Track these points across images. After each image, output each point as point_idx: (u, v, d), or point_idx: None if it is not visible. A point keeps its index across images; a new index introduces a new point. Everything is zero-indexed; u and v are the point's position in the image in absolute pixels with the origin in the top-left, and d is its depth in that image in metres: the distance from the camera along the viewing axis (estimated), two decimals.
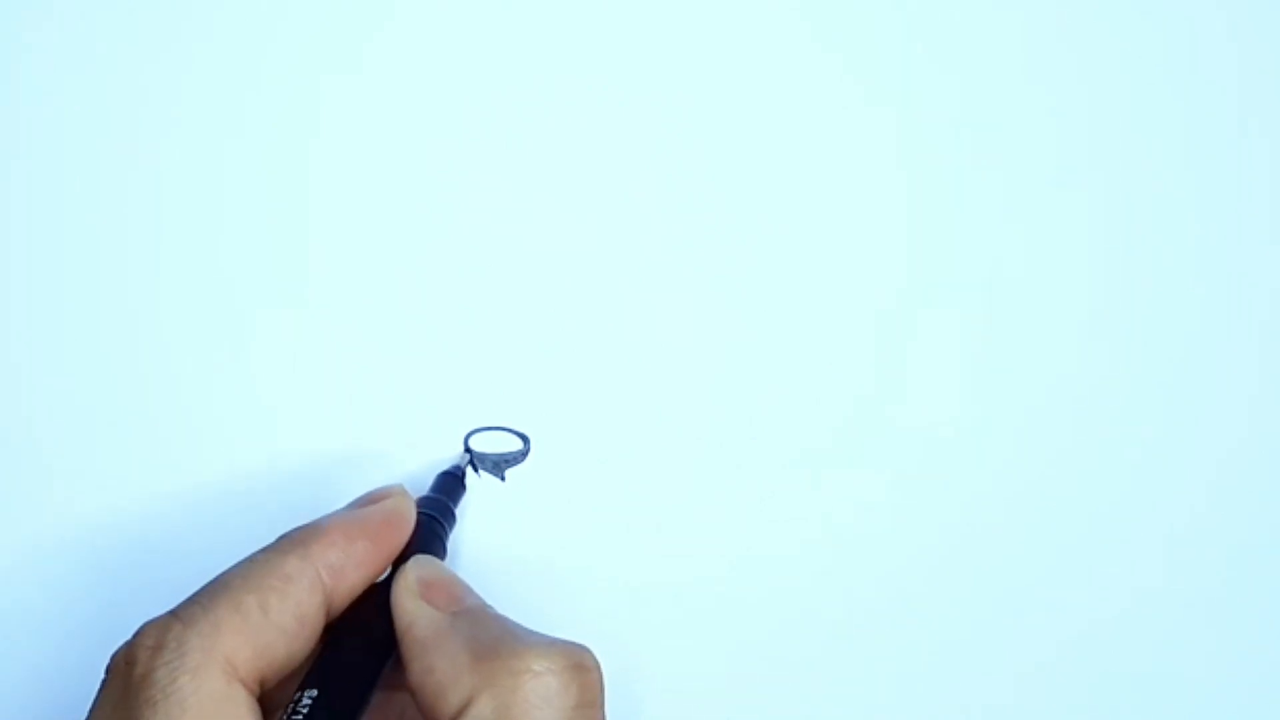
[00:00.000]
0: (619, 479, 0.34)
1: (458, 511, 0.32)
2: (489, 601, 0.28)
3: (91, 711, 0.25)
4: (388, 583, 0.27)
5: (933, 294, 0.34)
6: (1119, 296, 0.34)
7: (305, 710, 0.25)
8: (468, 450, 0.34)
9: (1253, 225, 0.35)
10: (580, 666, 0.25)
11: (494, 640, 0.25)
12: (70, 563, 0.33)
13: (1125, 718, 0.33)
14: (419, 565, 0.28)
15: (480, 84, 0.35)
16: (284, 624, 0.25)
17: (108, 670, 0.25)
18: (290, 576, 0.26)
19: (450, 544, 0.31)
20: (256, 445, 0.34)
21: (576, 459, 0.34)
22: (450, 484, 0.32)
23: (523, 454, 0.34)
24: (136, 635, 0.25)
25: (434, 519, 0.30)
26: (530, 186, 0.35)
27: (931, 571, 0.33)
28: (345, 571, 0.27)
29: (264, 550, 0.27)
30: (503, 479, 0.33)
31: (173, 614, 0.25)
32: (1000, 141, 0.35)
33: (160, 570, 0.33)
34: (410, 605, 0.27)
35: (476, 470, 0.34)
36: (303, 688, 0.25)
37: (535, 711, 0.24)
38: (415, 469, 0.34)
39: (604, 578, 0.33)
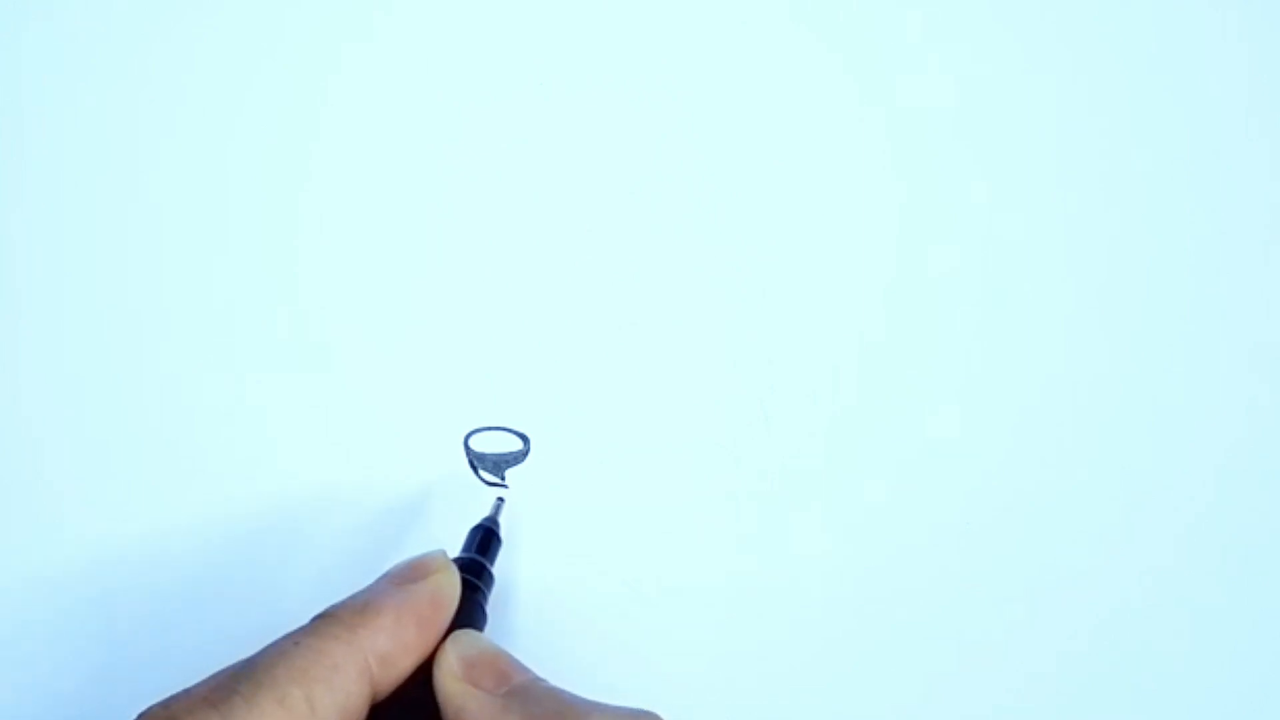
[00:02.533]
0: (619, 479, 0.34)
1: (494, 570, 0.30)
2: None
3: None
4: (430, 662, 0.26)
5: (933, 293, 0.34)
6: (1119, 297, 0.34)
7: None
8: (468, 450, 0.34)
9: (1253, 226, 0.35)
10: None
11: (554, 716, 0.24)
12: (78, 586, 0.33)
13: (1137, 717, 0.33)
14: (458, 644, 0.26)
15: (479, 84, 0.35)
16: (329, 718, 0.24)
17: None
18: (338, 666, 0.24)
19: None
20: (257, 445, 0.34)
21: (576, 459, 0.34)
22: (486, 540, 0.30)
23: (523, 454, 0.34)
24: (164, 711, 0.23)
25: (472, 585, 0.28)
26: (529, 187, 0.35)
27: (933, 573, 0.33)
28: (394, 659, 0.25)
29: (307, 634, 0.25)
30: (503, 479, 0.33)
31: (208, 701, 0.23)
32: (999, 143, 0.35)
33: (166, 577, 0.33)
34: (457, 689, 0.25)
35: (476, 470, 0.34)
36: None
37: None
38: (416, 469, 0.34)
39: (603, 577, 0.33)
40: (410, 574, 0.27)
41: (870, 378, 0.34)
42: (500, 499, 0.32)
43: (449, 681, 0.25)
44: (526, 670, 0.26)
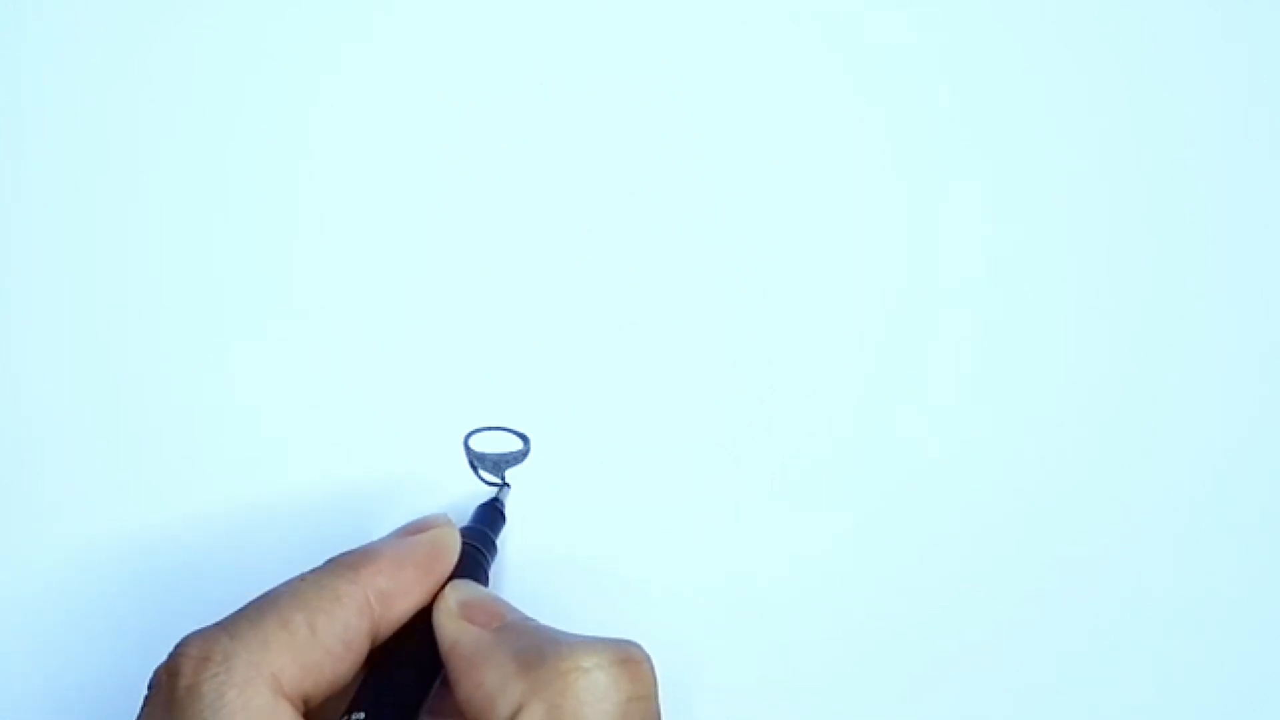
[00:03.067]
0: (619, 479, 0.34)
1: (499, 541, 0.32)
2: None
3: None
4: (430, 610, 0.28)
5: (934, 293, 0.34)
6: (1120, 297, 0.34)
7: None
8: (468, 450, 0.34)
9: (1254, 226, 0.35)
10: (629, 659, 0.25)
11: (539, 646, 0.25)
12: (75, 586, 0.33)
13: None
14: (456, 589, 0.28)
15: (479, 84, 0.35)
16: (330, 645, 0.25)
17: (150, 685, 0.25)
18: (340, 598, 0.26)
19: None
20: (257, 445, 0.34)
21: (576, 459, 0.34)
22: (490, 515, 0.32)
23: (523, 454, 0.34)
24: (180, 646, 0.25)
25: (476, 549, 0.30)
26: (529, 187, 0.35)
27: (933, 573, 0.33)
28: (393, 598, 0.27)
29: (314, 571, 0.27)
30: (503, 479, 0.34)
31: (219, 627, 0.25)
32: (1000, 143, 0.35)
33: (164, 577, 0.33)
34: (451, 625, 0.27)
35: (476, 470, 0.34)
36: (349, 711, 0.26)
37: (587, 709, 0.24)
38: (416, 469, 0.34)
39: (602, 577, 0.33)
40: (415, 528, 0.29)
41: (870, 378, 0.34)
42: (506, 485, 0.33)
43: (446, 619, 0.27)
44: (518, 611, 0.28)
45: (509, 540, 0.33)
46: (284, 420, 0.34)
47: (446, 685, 0.27)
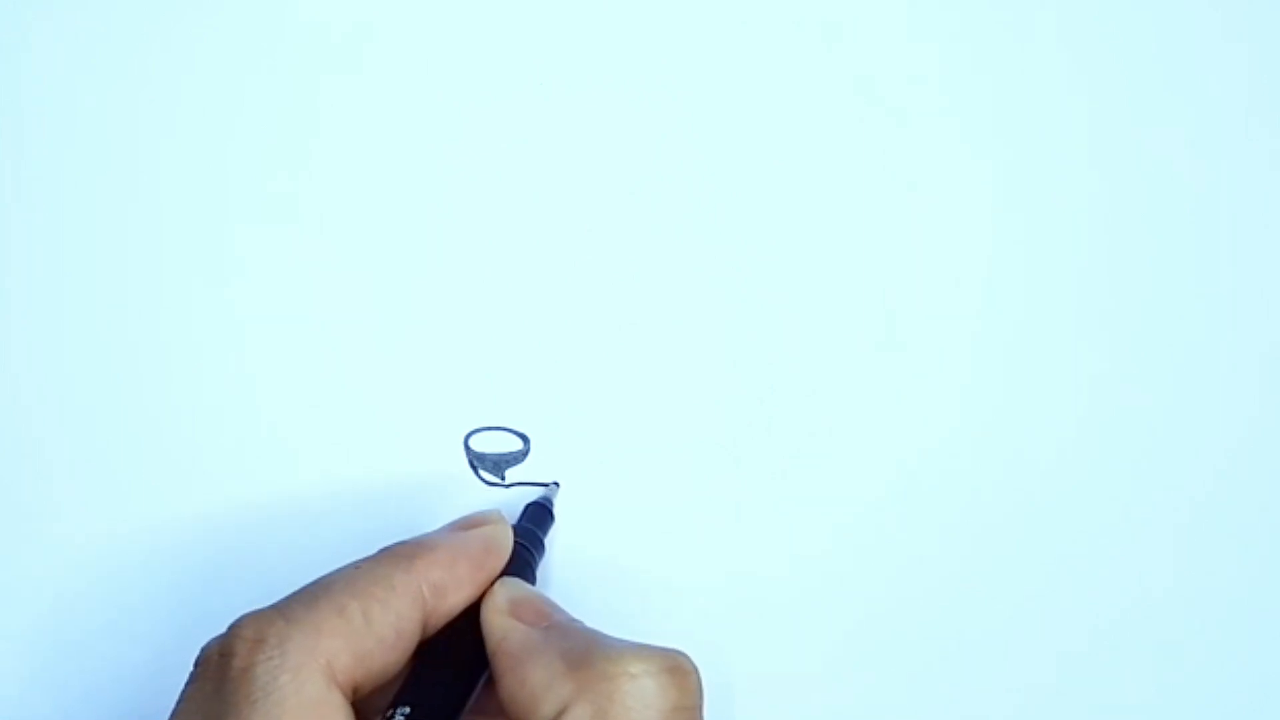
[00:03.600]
0: (619, 479, 0.34)
1: (546, 540, 0.32)
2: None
3: (181, 703, 0.24)
4: (478, 606, 0.28)
5: (934, 293, 0.34)
6: (1120, 297, 0.34)
7: None
8: (468, 450, 0.34)
9: (1253, 227, 0.35)
10: (677, 669, 0.24)
11: (587, 648, 0.25)
12: (76, 587, 0.33)
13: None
14: (506, 586, 0.28)
15: (479, 84, 0.35)
16: (384, 634, 0.25)
17: (198, 663, 0.25)
18: (394, 587, 0.26)
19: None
20: (257, 446, 0.34)
21: (576, 459, 0.34)
22: (540, 514, 0.32)
23: (523, 454, 0.34)
24: (235, 627, 0.24)
25: (525, 547, 0.30)
26: (529, 187, 0.35)
27: (932, 573, 0.33)
28: (446, 591, 0.27)
29: (368, 559, 0.27)
30: (503, 479, 0.34)
31: (275, 609, 0.25)
32: (1000, 143, 0.35)
33: (164, 578, 0.33)
34: (500, 622, 0.27)
35: (476, 470, 0.34)
36: (395, 704, 0.26)
37: (634, 714, 0.23)
38: (416, 469, 0.34)
39: (602, 577, 0.33)
40: (468, 523, 0.29)
41: (870, 378, 0.34)
42: (555, 483, 0.33)
43: (495, 615, 0.27)
44: (567, 613, 0.28)
45: None
46: (284, 420, 0.34)
47: (490, 683, 0.27)
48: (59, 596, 0.33)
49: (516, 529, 0.31)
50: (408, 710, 0.25)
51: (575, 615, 0.28)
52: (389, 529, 0.33)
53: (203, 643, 0.25)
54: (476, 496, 0.33)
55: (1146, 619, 0.33)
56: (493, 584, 0.28)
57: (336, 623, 0.25)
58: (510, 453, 0.34)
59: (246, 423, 0.34)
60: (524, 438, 0.34)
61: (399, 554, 0.27)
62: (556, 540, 0.33)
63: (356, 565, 0.27)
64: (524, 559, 0.30)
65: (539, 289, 0.34)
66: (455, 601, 0.27)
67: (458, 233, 0.35)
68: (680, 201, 0.35)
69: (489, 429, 0.34)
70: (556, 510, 0.33)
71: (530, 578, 0.30)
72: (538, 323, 0.34)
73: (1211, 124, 0.35)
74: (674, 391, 0.34)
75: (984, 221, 0.34)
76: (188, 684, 0.24)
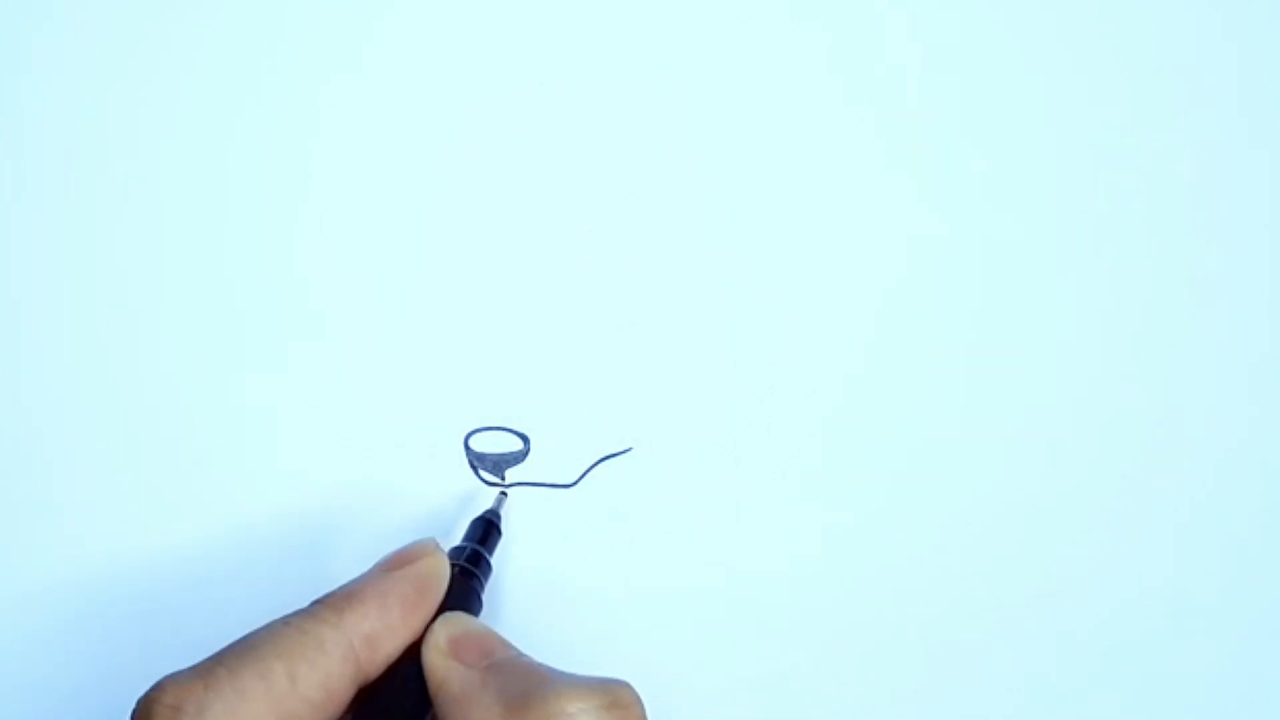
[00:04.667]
0: (618, 479, 0.34)
1: (494, 560, 0.31)
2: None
3: None
4: (420, 644, 0.27)
5: (934, 293, 0.34)
6: (1119, 297, 0.34)
7: None
8: (468, 450, 0.34)
9: (1253, 227, 0.35)
10: (616, 703, 0.24)
11: (527, 689, 0.24)
12: (79, 591, 0.33)
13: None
14: (446, 624, 0.27)
15: (479, 84, 0.35)
16: (311, 695, 0.25)
17: None
18: (323, 645, 0.25)
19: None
20: (257, 446, 0.34)
21: (576, 459, 0.34)
22: (485, 530, 0.31)
23: (523, 454, 0.34)
24: (156, 690, 0.24)
25: (468, 572, 0.29)
26: (529, 187, 0.35)
27: (932, 573, 0.33)
28: (379, 640, 0.26)
29: (296, 614, 0.26)
30: (503, 479, 0.34)
31: (196, 674, 0.24)
32: (1000, 143, 0.35)
33: (164, 579, 0.33)
34: (440, 664, 0.26)
35: (476, 470, 0.34)
36: None
37: None
38: (416, 469, 0.34)
39: (602, 577, 0.33)
40: (396, 562, 0.28)
41: (870, 378, 0.34)
42: (504, 493, 0.33)
43: (434, 657, 0.26)
44: (510, 647, 0.27)
45: (508, 540, 0.33)
46: (284, 420, 0.34)
47: None
48: (59, 596, 0.33)
49: (457, 551, 0.30)
50: None
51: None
52: (389, 529, 0.33)
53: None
54: (477, 496, 0.33)
55: (1146, 618, 0.33)
56: (434, 620, 0.27)
57: (259, 687, 0.24)
58: (510, 453, 0.34)
59: (245, 425, 0.34)
60: (524, 438, 0.34)
61: (328, 606, 0.26)
62: (557, 540, 0.33)
63: (285, 620, 0.26)
64: (467, 586, 0.29)
65: (539, 289, 0.34)
66: (391, 649, 0.27)
67: (458, 233, 0.35)
68: (680, 201, 0.35)
69: (489, 429, 0.34)
70: (556, 511, 0.33)
71: (475, 605, 0.29)
72: (538, 323, 0.34)
73: (1211, 124, 0.35)
74: (674, 391, 0.34)
75: (984, 222, 0.34)
76: None
